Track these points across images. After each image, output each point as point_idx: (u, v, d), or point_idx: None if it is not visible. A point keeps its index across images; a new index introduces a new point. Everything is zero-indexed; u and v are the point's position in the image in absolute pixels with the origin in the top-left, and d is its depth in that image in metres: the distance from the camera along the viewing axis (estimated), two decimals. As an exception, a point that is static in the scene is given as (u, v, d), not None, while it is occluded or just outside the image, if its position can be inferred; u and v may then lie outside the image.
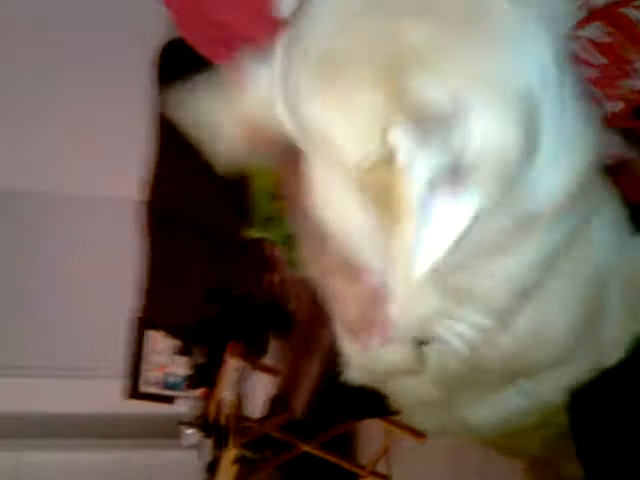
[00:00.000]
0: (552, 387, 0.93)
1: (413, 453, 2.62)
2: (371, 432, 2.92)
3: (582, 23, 0.85)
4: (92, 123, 2.95)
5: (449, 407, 0.98)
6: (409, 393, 0.98)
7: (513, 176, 0.57)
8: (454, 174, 0.53)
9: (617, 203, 0.85)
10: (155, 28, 2.37)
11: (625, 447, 0.89)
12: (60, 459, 3.05)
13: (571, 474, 1.08)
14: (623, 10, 0.83)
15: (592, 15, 0.84)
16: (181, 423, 3.00)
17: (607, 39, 0.86)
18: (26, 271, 3.10)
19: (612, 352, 0.91)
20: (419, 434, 2.57)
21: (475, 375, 0.87)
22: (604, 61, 0.87)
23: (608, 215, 0.83)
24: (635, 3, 0.82)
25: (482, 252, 0.68)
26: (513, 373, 0.90)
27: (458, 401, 0.96)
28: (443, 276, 0.62)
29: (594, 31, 0.86)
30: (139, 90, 2.54)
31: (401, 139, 0.52)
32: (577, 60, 0.88)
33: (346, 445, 2.94)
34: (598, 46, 0.86)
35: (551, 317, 0.82)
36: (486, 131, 0.53)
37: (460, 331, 0.77)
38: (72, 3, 2.73)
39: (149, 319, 2.97)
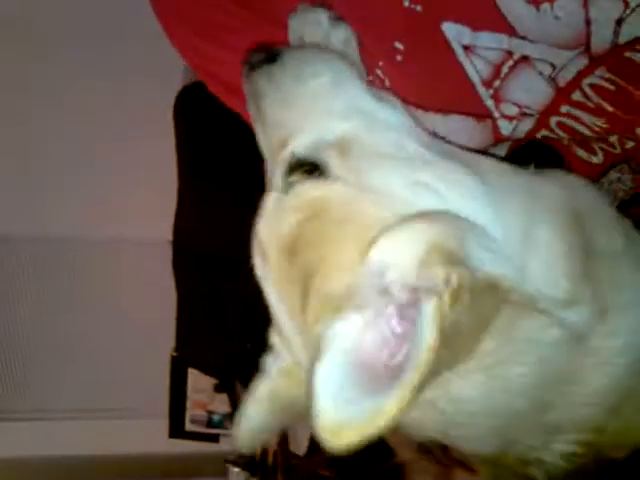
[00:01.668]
0: None
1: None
2: (422, 467, 2.81)
3: (585, 72, 0.77)
4: (128, 166, 2.96)
5: None
6: None
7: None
8: None
9: None
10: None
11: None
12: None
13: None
14: (628, 54, 0.75)
15: (595, 62, 0.76)
16: (227, 462, 2.97)
17: (612, 87, 0.79)
18: (64, 315, 3.13)
19: None
20: (472, 469, 2.45)
21: None
22: (610, 109, 0.80)
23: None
24: (638, 47, 0.74)
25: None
26: None
27: None
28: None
29: (598, 79, 0.78)
30: (168, 132, 2.54)
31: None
32: (585, 110, 0.81)
33: (396, 480, 2.85)
34: (603, 93, 0.79)
35: None
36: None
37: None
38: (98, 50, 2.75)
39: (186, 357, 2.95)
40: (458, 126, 0.83)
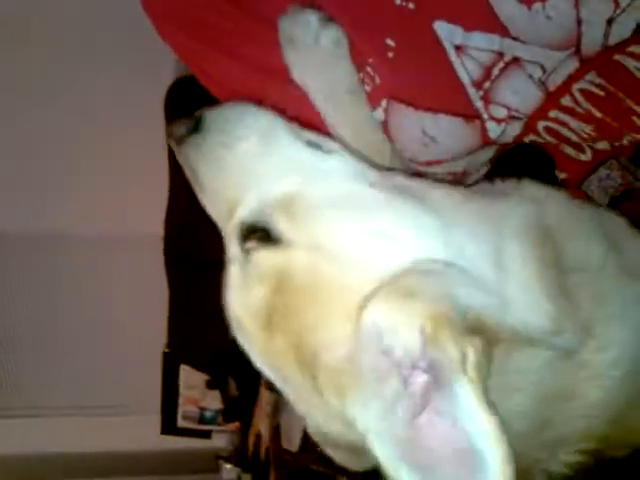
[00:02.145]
0: None
1: None
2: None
3: (576, 76, 0.77)
4: (118, 164, 2.95)
5: None
6: None
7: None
8: None
9: None
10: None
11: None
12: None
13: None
14: (617, 58, 0.75)
15: (585, 65, 0.76)
16: (219, 458, 2.97)
17: (602, 92, 0.78)
18: (57, 312, 3.12)
19: None
20: None
21: None
22: (599, 115, 0.80)
23: None
24: (628, 49, 0.74)
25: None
26: None
27: None
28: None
29: (588, 84, 0.78)
30: (159, 126, 2.52)
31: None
32: (574, 116, 0.81)
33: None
34: (593, 99, 0.79)
35: None
36: None
37: None
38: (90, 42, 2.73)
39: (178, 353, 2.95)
40: (447, 126, 0.83)
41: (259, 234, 0.68)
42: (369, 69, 0.86)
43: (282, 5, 0.86)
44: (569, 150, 0.86)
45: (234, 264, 0.71)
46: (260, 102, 0.87)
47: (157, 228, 2.76)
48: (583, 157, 0.87)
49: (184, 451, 3.14)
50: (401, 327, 0.55)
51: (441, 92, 0.81)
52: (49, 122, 2.84)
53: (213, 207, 0.76)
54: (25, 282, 3.12)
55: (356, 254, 0.62)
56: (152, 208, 2.76)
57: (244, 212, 0.71)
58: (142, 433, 3.04)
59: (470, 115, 0.82)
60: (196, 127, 0.75)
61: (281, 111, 0.96)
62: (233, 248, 0.72)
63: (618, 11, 0.70)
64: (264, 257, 0.67)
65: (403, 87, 0.83)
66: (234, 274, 0.70)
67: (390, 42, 0.80)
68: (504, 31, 0.74)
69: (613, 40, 0.73)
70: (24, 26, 2.60)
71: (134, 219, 3.00)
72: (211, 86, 1.04)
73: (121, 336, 3.10)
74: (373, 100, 0.88)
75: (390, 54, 0.80)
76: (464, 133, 0.83)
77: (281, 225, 0.67)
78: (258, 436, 2.79)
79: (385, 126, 0.88)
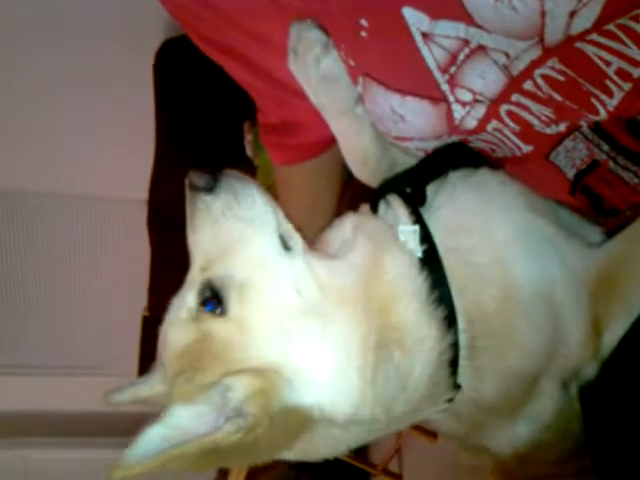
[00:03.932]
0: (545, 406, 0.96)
1: (424, 452, 2.61)
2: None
3: (538, 62, 0.80)
4: (104, 124, 2.95)
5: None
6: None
7: None
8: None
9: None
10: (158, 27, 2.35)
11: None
12: (71, 457, 3.09)
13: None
14: (578, 45, 0.78)
15: (548, 52, 0.79)
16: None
17: (562, 77, 0.82)
18: (36, 271, 3.12)
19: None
20: (430, 434, 2.53)
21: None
22: (560, 99, 0.84)
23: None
24: (588, 37, 0.77)
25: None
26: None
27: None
28: None
29: (549, 70, 0.81)
30: (147, 90, 2.53)
31: None
32: (535, 100, 0.84)
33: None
34: (554, 84, 0.83)
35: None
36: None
37: None
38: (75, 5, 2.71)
39: (158, 317, 2.96)
40: (414, 107, 0.86)
41: (214, 294, 0.87)
42: (342, 54, 0.90)
43: None
44: (535, 122, 0.88)
45: (185, 307, 0.89)
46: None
47: (141, 192, 2.78)
48: (548, 130, 0.90)
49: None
50: (237, 392, 0.82)
51: (408, 75, 0.85)
52: (31, 79, 2.85)
53: (194, 249, 0.92)
54: (5, 241, 3.13)
55: (257, 342, 0.85)
56: (137, 172, 2.77)
57: (214, 274, 0.88)
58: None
59: (436, 98, 0.85)
60: (211, 189, 0.90)
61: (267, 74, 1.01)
62: (190, 293, 0.89)
63: (580, 5, 0.73)
64: (206, 319, 0.86)
65: (374, 67, 0.87)
66: (182, 312, 0.89)
67: (364, 22, 0.82)
68: (469, 19, 0.76)
69: (575, 31, 0.76)
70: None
71: (118, 182, 3.00)
72: (200, 43, 1.06)
73: (99, 297, 3.11)
74: (352, 78, 0.92)
75: (363, 33, 0.83)
76: (431, 115, 0.87)
77: (232, 303, 0.86)
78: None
79: (362, 98, 0.93)
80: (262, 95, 1.09)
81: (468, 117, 0.86)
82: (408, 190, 0.97)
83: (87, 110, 2.92)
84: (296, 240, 0.92)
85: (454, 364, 0.89)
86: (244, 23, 0.98)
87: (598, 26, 0.76)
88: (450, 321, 0.88)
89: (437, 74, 0.82)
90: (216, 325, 0.85)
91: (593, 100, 0.83)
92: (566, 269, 0.91)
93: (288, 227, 0.93)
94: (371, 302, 0.87)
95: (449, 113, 0.86)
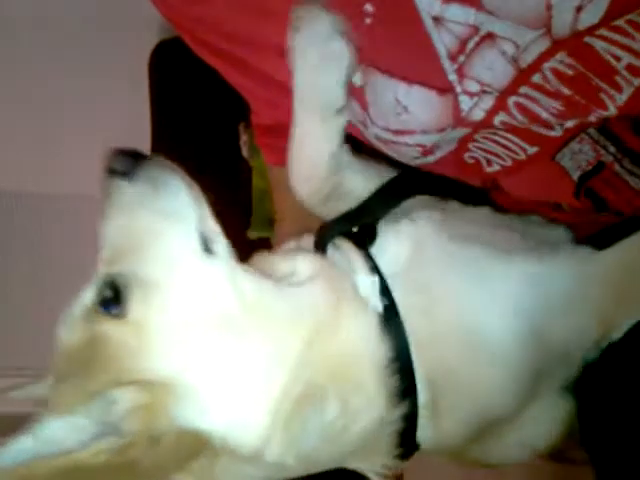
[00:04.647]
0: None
1: (424, 452, 2.58)
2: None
3: (546, 55, 0.79)
4: (98, 124, 2.92)
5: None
6: None
7: None
8: None
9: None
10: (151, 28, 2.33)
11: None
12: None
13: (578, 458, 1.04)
14: (587, 40, 0.77)
15: (557, 44, 0.78)
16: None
17: (571, 71, 0.81)
18: (17, 272, 3.09)
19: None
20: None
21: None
22: (568, 93, 0.83)
23: None
24: (597, 32, 0.76)
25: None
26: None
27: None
28: None
29: (558, 64, 0.80)
30: (143, 91, 2.51)
31: None
32: (544, 93, 0.83)
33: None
34: (563, 78, 0.81)
35: None
36: None
37: None
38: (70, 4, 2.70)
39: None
40: (420, 97, 0.84)
41: (115, 292, 0.77)
42: None
43: None
44: (536, 127, 0.88)
45: (82, 303, 0.79)
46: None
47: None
48: (553, 133, 0.89)
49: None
50: (121, 407, 0.72)
51: (417, 62, 0.83)
52: (23, 75, 2.80)
53: (104, 238, 0.83)
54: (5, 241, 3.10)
55: (154, 351, 0.75)
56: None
57: (117, 270, 0.78)
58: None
59: (444, 88, 0.84)
60: (130, 175, 0.81)
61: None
62: (92, 287, 0.79)
63: (586, 1, 0.73)
64: (101, 319, 0.76)
65: (379, 54, 0.85)
66: (77, 309, 0.79)
67: (369, 7, 0.81)
68: (479, 5, 0.76)
69: (583, 26, 0.75)
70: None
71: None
72: (193, 44, 1.05)
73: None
74: None
75: (368, 20, 0.82)
76: (436, 106, 0.85)
77: (134, 305, 0.76)
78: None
79: (362, 91, 0.90)
80: (255, 96, 1.08)
81: (476, 108, 0.85)
82: (354, 230, 0.91)
83: (82, 110, 2.89)
84: (221, 245, 0.83)
85: (408, 433, 0.83)
86: (235, 22, 0.96)
87: (606, 21, 0.75)
88: (408, 391, 0.81)
89: (446, 62, 0.81)
90: (111, 328, 0.75)
91: (602, 95, 0.82)
92: (544, 290, 0.84)
93: (214, 228, 0.83)
94: (312, 352, 0.78)
95: (455, 104, 0.85)
